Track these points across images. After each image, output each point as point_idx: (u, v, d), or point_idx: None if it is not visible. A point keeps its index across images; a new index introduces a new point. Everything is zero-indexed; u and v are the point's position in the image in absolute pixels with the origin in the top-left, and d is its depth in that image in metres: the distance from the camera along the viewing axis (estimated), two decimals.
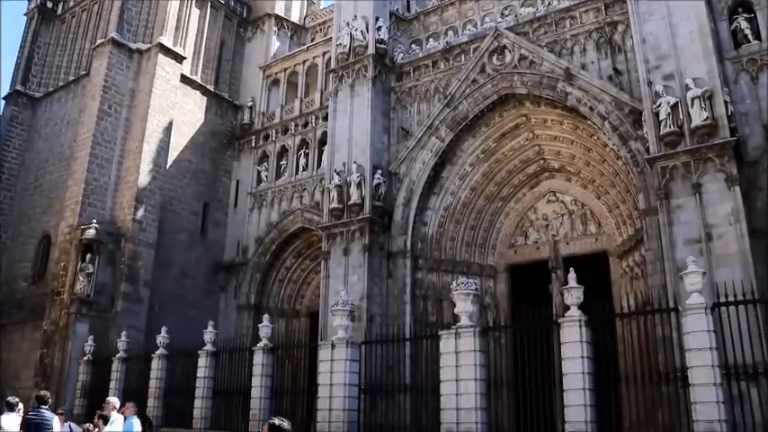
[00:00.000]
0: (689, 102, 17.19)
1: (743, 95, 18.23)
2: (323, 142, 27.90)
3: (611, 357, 14.46)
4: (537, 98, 21.98)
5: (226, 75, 33.95)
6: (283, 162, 30.58)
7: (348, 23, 26.00)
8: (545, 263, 23.20)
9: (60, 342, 25.45)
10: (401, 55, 25.77)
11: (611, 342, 14.74)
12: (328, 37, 30.05)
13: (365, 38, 25.40)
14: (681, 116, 17.29)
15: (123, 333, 24.31)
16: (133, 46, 30.10)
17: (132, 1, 30.90)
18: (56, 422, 10.39)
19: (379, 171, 23.79)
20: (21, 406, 10.65)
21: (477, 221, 24.57)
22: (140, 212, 27.33)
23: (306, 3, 37.40)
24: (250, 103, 32.77)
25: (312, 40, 34.29)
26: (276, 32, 34.49)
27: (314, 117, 29.99)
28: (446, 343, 15.73)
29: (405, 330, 19.83)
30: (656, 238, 17.58)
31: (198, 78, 32.17)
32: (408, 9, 27.33)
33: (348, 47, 25.69)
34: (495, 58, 22.80)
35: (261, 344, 19.82)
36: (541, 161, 23.93)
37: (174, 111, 29.73)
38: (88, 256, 25.88)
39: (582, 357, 13.73)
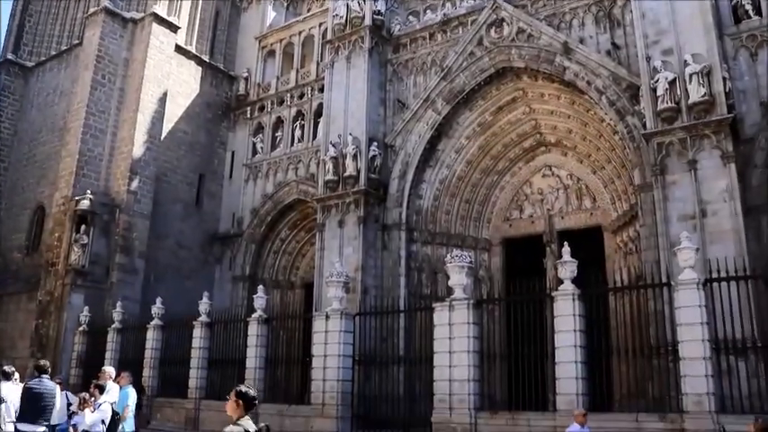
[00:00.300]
0: (687, 78, 17.10)
1: (741, 72, 18.11)
2: (319, 114, 27.76)
3: (603, 331, 14.60)
4: (534, 72, 21.86)
5: (221, 45, 33.58)
6: (279, 133, 30.43)
7: None
8: (540, 237, 23.34)
9: (56, 312, 25.54)
10: (398, 26, 25.53)
11: (604, 316, 14.88)
12: (325, 8, 29.68)
13: (362, 9, 25.14)
14: (678, 92, 17.22)
15: (118, 304, 24.41)
16: (127, 15, 29.71)
17: None
18: (58, 392, 10.47)
19: (375, 143, 23.73)
20: (17, 375, 10.72)
21: (473, 195, 24.60)
22: (135, 183, 27.23)
23: None
24: (245, 74, 32.49)
25: (308, 11, 33.84)
26: (272, 2, 34.02)
27: (310, 88, 29.77)
28: (440, 315, 15.86)
29: (399, 302, 19.97)
30: (650, 213, 17.65)
31: (193, 48, 31.82)
32: None
33: (344, 18, 25.44)
34: (492, 30, 22.62)
35: (256, 315, 19.95)
36: (538, 135, 23.89)
37: (169, 81, 29.46)
38: (83, 227, 25.85)
39: (574, 330, 13.88)
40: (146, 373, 22.09)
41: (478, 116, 23.66)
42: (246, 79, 32.38)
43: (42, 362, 10.60)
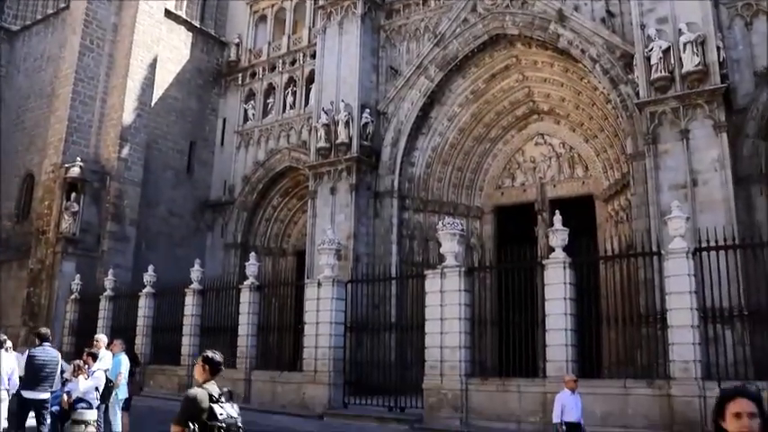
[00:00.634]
0: (681, 47, 16.97)
1: (736, 41, 18.00)
2: (311, 80, 27.50)
3: (593, 299, 14.71)
4: (528, 39, 21.69)
5: (211, 10, 33.10)
6: (270, 100, 30.18)
7: None
8: (531, 205, 23.39)
9: (47, 281, 25.54)
10: None
11: (594, 284, 14.98)
12: None
13: None
14: (672, 61, 17.11)
15: (110, 272, 24.40)
16: None
17: None
18: (60, 359, 10.52)
19: (367, 110, 23.58)
20: (9, 343, 10.73)
21: (465, 163, 24.57)
22: (125, 150, 27.04)
23: None
24: (237, 40, 32.07)
25: None
26: None
27: (302, 54, 29.45)
28: (431, 282, 15.92)
29: (391, 270, 20.04)
30: (642, 182, 17.69)
31: (183, 13, 31.35)
32: None
33: None
34: None
35: (248, 282, 19.99)
36: (531, 103, 23.79)
37: (159, 47, 29.06)
38: (73, 194, 25.75)
39: (565, 298, 13.98)
40: (138, 340, 22.17)
41: (471, 84, 23.51)
42: (237, 45, 31.99)
43: (43, 330, 10.66)
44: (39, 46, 31.90)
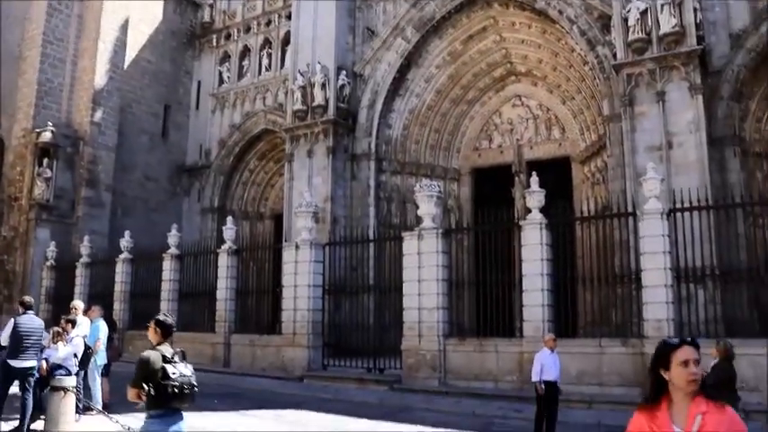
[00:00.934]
0: (659, 8, 16.89)
1: (713, 3, 17.95)
2: (286, 42, 27.11)
3: (569, 260, 14.88)
4: (506, 0, 21.48)
5: None
6: (246, 62, 29.71)
7: None
8: (509, 167, 23.48)
9: (21, 248, 25.21)
10: None
11: (571, 245, 15.14)
12: None
13: None
14: (650, 22, 17.05)
15: (86, 238, 24.15)
16: None
17: None
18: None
19: (344, 72, 23.34)
20: None
21: (442, 124, 24.51)
22: (98, 115, 26.55)
23: None
24: (210, 1, 31.37)
25: None
26: None
27: (277, 15, 28.92)
28: (409, 244, 15.98)
29: (369, 232, 20.07)
30: (618, 144, 17.80)
31: None
32: None
33: None
34: None
35: (225, 246, 19.95)
36: (508, 65, 23.69)
37: (131, 8, 28.30)
38: (45, 160, 25.26)
39: (541, 259, 14.13)
40: (116, 306, 22.10)
41: (448, 45, 23.32)
42: (211, 6, 31.31)
43: (27, 298, 10.60)
44: (2, 6, 30.86)
